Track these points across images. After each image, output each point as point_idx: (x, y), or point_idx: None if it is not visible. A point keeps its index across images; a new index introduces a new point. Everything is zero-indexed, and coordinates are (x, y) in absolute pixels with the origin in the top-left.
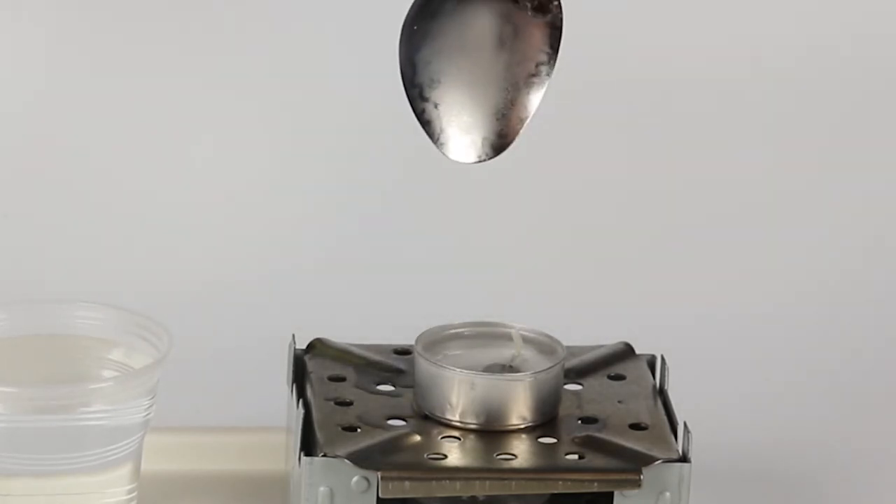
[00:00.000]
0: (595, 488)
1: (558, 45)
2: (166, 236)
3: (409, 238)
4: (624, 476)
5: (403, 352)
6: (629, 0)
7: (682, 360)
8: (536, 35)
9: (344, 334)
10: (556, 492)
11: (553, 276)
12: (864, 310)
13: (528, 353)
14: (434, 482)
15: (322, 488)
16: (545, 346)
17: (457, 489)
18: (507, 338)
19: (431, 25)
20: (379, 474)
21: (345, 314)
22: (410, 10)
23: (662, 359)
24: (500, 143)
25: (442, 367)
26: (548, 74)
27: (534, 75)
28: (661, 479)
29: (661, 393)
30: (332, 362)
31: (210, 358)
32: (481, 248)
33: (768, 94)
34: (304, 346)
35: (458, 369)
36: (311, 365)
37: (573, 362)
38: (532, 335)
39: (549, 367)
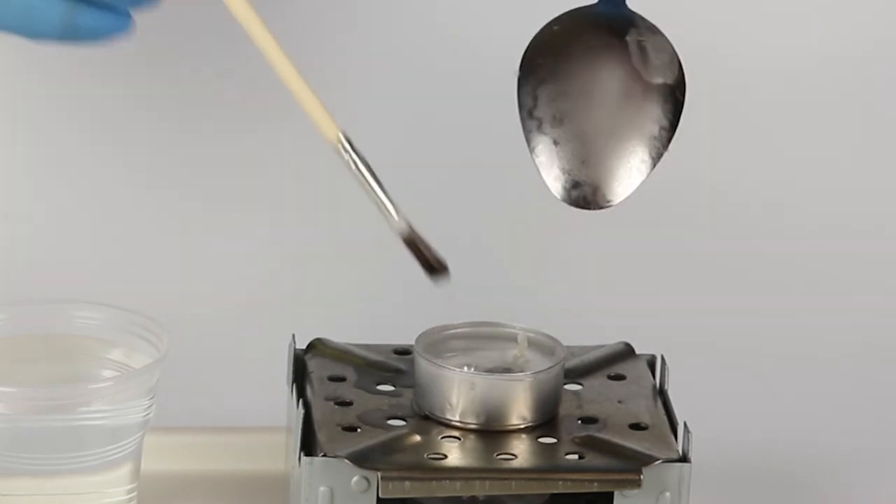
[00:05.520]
0: (595, 488)
1: (680, 113)
2: (166, 236)
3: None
4: (624, 476)
5: (403, 352)
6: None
7: (682, 360)
8: (662, 99)
9: (344, 334)
10: (556, 492)
11: (554, 276)
12: (865, 309)
13: (528, 353)
14: (434, 482)
15: (322, 488)
16: (545, 346)
17: (457, 489)
18: (508, 338)
19: (559, 64)
20: (379, 474)
21: (345, 314)
22: (533, 42)
23: (662, 359)
24: (609, 197)
25: (442, 367)
26: (669, 140)
27: (655, 138)
28: (661, 479)
29: (661, 393)
30: (332, 362)
31: (210, 358)
32: (481, 248)
33: (770, 94)
34: (304, 346)
35: (458, 369)
36: (311, 365)
37: (573, 362)
38: (532, 335)
39: (549, 367)
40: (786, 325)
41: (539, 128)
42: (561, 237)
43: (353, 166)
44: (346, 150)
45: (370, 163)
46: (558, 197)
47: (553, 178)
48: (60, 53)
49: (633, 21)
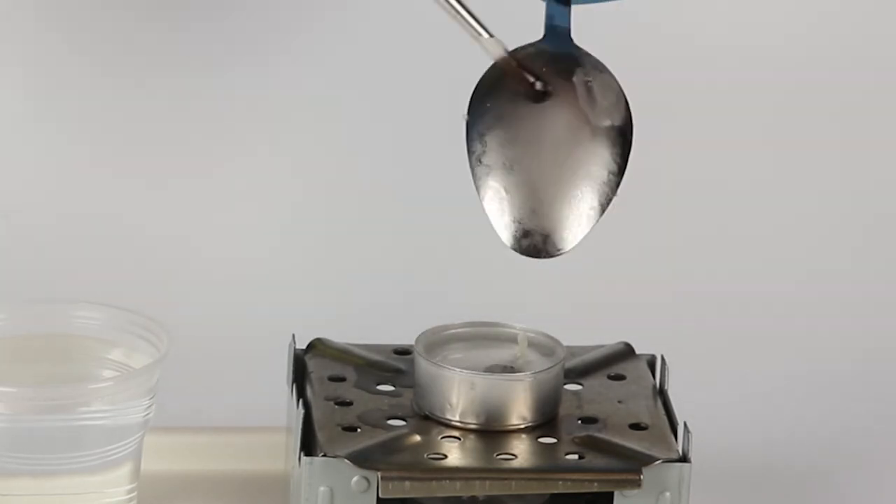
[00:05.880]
0: (595, 488)
1: (628, 155)
2: (166, 236)
3: (410, 238)
4: (624, 476)
5: (403, 352)
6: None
7: (682, 360)
8: (610, 143)
9: (344, 334)
10: (556, 492)
11: (553, 276)
12: (865, 309)
13: (528, 353)
14: (434, 482)
15: (322, 488)
16: (545, 346)
17: (457, 489)
18: (508, 338)
19: (507, 108)
20: (379, 474)
21: (345, 314)
22: (480, 84)
23: (662, 359)
24: (559, 246)
25: (442, 367)
26: (617, 184)
27: (605, 183)
28: (661, 479)
29: (661, 393)
30: (332, 362)
31: (210, 358)
32: (481, 247)
33: (769, 93)
34: (304, 346)
35: (458, 369)
36: (311, 365)
37: (573, 362)
38: (532, 335)
39: (549, 367)
40: (786, 324)
41: (489, 174)
42: None
43: None
44: None
45: None
46: (508, 245)
47: (503, 227)
48: (60, 55)
49: (578, 59)
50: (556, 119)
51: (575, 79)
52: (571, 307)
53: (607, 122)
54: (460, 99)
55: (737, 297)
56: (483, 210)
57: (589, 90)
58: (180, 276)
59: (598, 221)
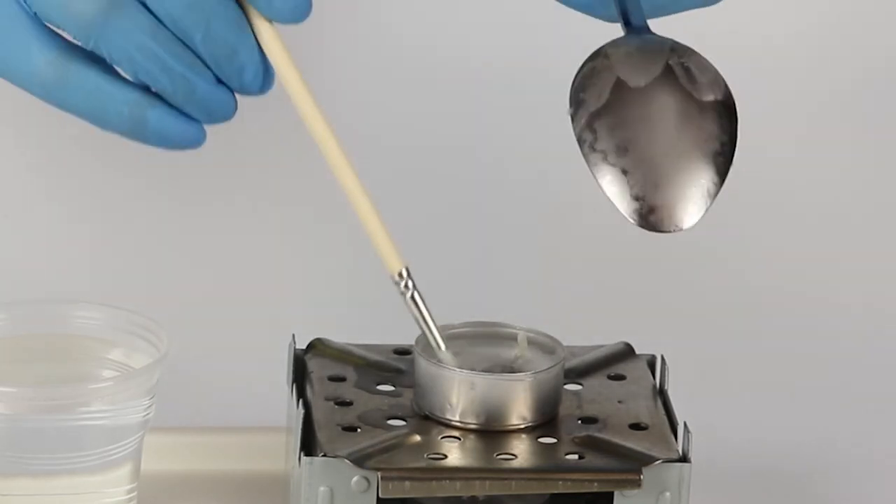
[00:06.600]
0: (595, 488)
1: (737, 125)
2: (166, 236)
3: (410, 238)
4: (624, 476)
5: (403, 352)
6: None
7: (682, 360)
8: (717, 115)
9: (344, 334)
10: (556, 492)
11: (553, 276)
12: (864, 309)
13: (528, 353)
14: (434, 482)
15: (322, 488)
16: (545, 346)
17: (457, 489)
18: (508, 338)
19: (610, 95)
20: (379, 474)
21: (345, 314)
22: (577, 79)
23: (662, 359)
24: (687, 217)
25: (442, 367)
26: (732, 154)
27: (719, 154)
28: (661, 479)
29: (661, 393)
30: (332, 362)
31: (210, 358)
32: (481, 247)
33: (767, 93)
34: (304, 346)
35: (458, 369)
36: (311, 365)
37: (573, 362)
38: (532, 335)
39: (549, 367)
40: (786, 325)
41: (605, 159)
42: (561, 237)
43: (409, 296)
44: (406, 281)
45: (424, 297)
46: (634, 223)
47: (627, 205)
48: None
49: (667, 45)
50: (662, 100)
51: (671, 61)
52: (571, 307)
53: (710, 97)
54: (461, 97)
55: (737, 297)
56: (603, 193)
57: (686, 70)
58: (180, 276)
59: (719, 192)
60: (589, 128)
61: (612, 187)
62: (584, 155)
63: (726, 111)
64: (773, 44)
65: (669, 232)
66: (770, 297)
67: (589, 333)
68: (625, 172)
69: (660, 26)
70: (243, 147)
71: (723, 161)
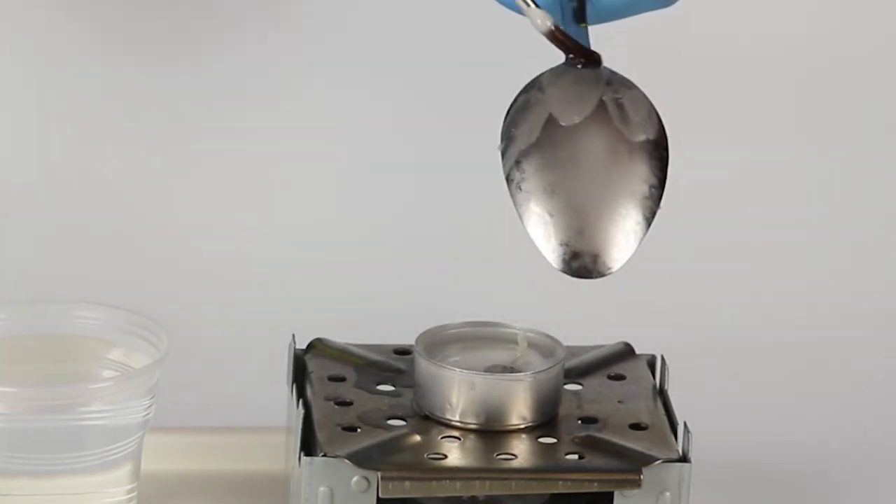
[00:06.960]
0: (595, 488)
1: (667, 168)
2: (166, 236)
3: (409, 238)
4: (624, 476)
5: (403, 352)
6: None
7: (682, 360)
8: (647, 156)
9: (344, 334)
10: (556, 492)
11: (553, 276)
12: (864, 309)
13: (528, 354)
14: (434, 482)
15: (322, 488)
16: (545, 346)
17: (457, 489)
18: (508, 338)
19: (541, 132)
20: (379, 474)
21: (345, 314)
22: (511, 111)
23: (662, 359)
24: (611, 263)
25: (442, 367)
26: (660, 197)
27: (647, 197)
28: (661, 479)
29: (661, 393)
30: (332, 362)
31: (210, 358)
32: (481, 247)
33: (766, 93)
34: (304, 346)
35: (458, 369)
36: (311, 365)
37: (573, 362)
38: (532, 335)
39: (549, 367)
40: (786, 324)
41: (530, 200)
42: None
43: None
44: None
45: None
46: (558, 269)
47: (551, 251)
48: (61, 56)
49: (603, 76)
50: (591, 139)
51: (604, 97)
52: (571, 307)
53: (642, 137)
54: (462, 100)
55: (737, 298)
56: (528, 235)
57: (620, 107)
58: (180, 276)
59: (644, 237)
60: (517, 166)
61: (538, 230)
62: (511, 194)
63: (657, 151)
64: (773, 43)
65: (592, 279)
66: (770, 297)
67: (589, 333)
68: (550, 215)
69: (660, 26)
70: (244, 147)
71: (650, 204)
